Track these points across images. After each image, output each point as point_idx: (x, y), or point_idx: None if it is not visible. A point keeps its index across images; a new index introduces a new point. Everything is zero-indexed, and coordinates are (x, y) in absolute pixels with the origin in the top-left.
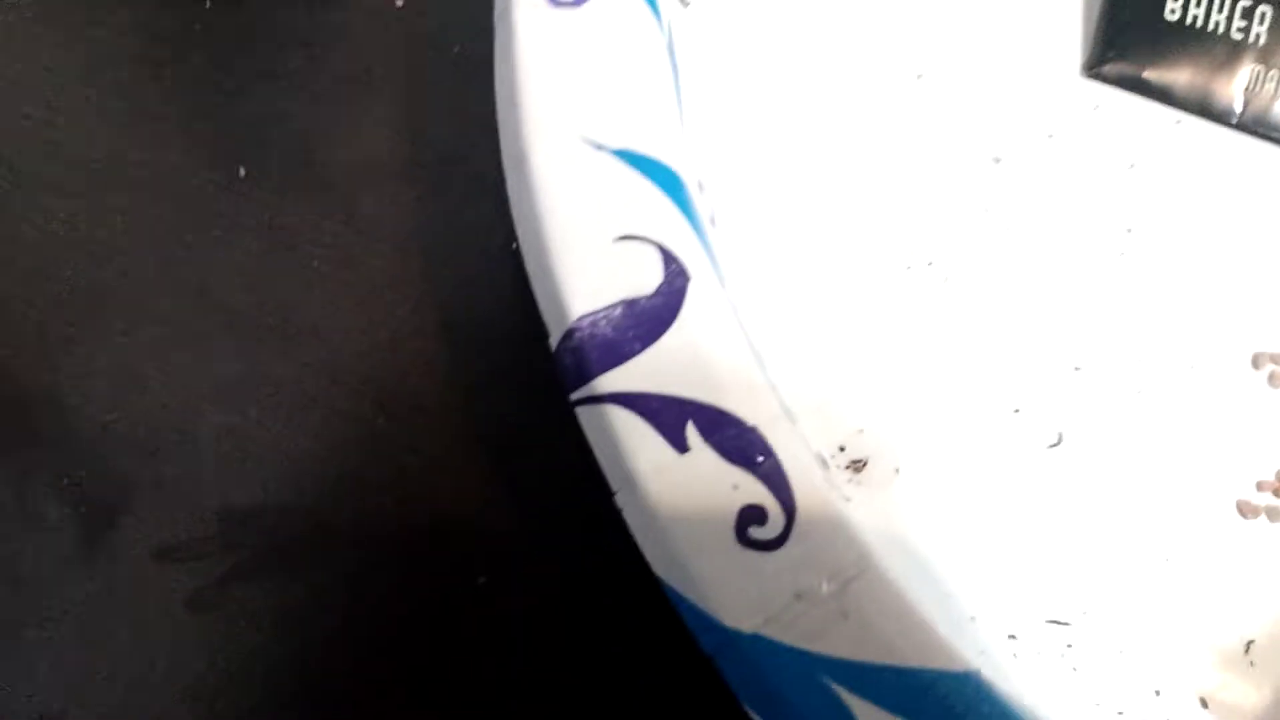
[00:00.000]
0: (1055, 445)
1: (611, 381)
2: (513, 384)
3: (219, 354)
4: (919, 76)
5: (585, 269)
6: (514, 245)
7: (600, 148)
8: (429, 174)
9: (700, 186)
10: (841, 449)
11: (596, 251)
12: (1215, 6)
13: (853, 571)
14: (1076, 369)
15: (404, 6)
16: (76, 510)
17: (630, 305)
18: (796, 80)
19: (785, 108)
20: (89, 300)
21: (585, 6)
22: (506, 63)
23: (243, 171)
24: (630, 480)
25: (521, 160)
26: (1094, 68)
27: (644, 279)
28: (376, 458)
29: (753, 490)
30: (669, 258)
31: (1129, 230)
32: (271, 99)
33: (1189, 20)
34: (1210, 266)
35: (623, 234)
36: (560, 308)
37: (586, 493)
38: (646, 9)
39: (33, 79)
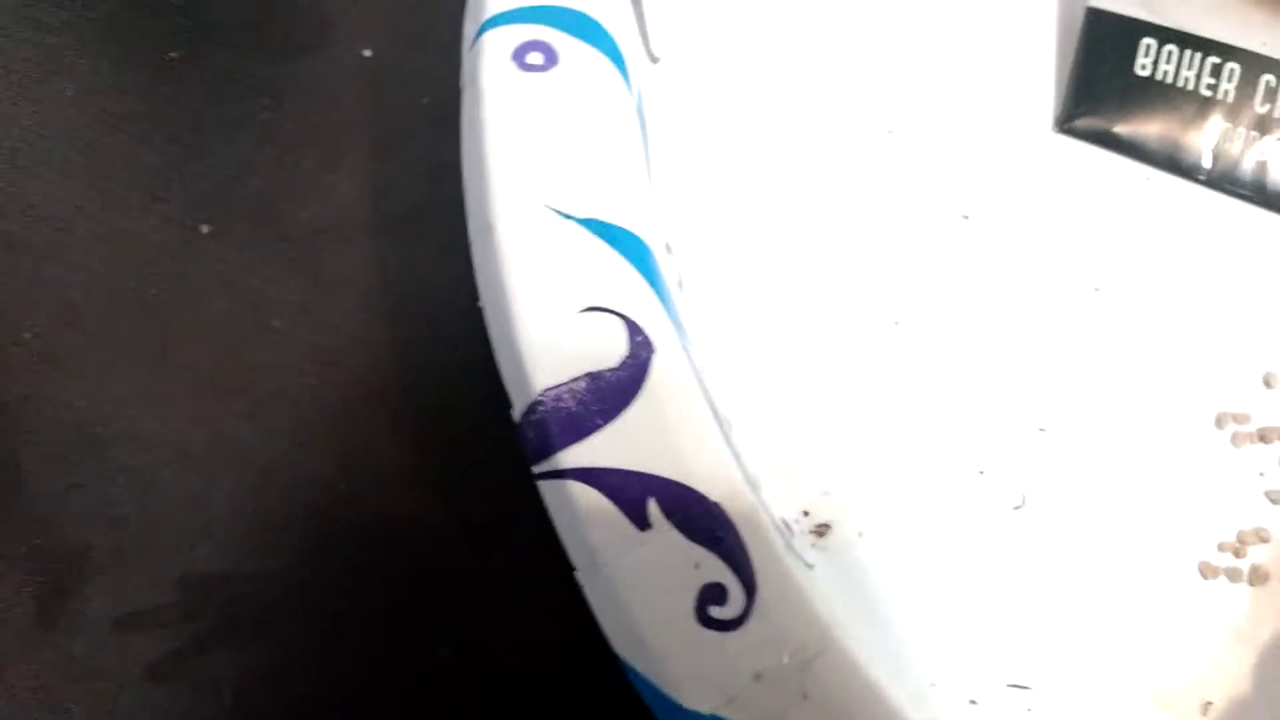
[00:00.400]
0: (1019, 507)
1: (574, 457)
2: (479, 447)
3: (181, 417)
4: (890, 132)
5: (550, 341)
6: (479, 303)
7: (567, 217)
8: (395, 229)
9: (668, 248)
10: (806, 513)
11: (561, 323)
12: (1185, 63)
13: (813, 650)
14: (1041, 430)
15: (372, 57)
16: (35, 579)
17: (594, 378)
18: (766, 135)
19: (754, 163)
20: (50, 362)
21: (554, 71)
22: (474, 128)
23: (206, 228)
24: (591, 558)
25: (488, 229)
26: (1065, 123)
27: (609, 351)
28: (339, 524)
29: (713, 568)
30: (634, 329)
31: (1096, 289)
32: (236, 152)
33: (1159, 76)
34: (1175, 326)
35: (588, 305)
36: (524, 380)
37: (550, 565)
38: (615, 72)
39: None
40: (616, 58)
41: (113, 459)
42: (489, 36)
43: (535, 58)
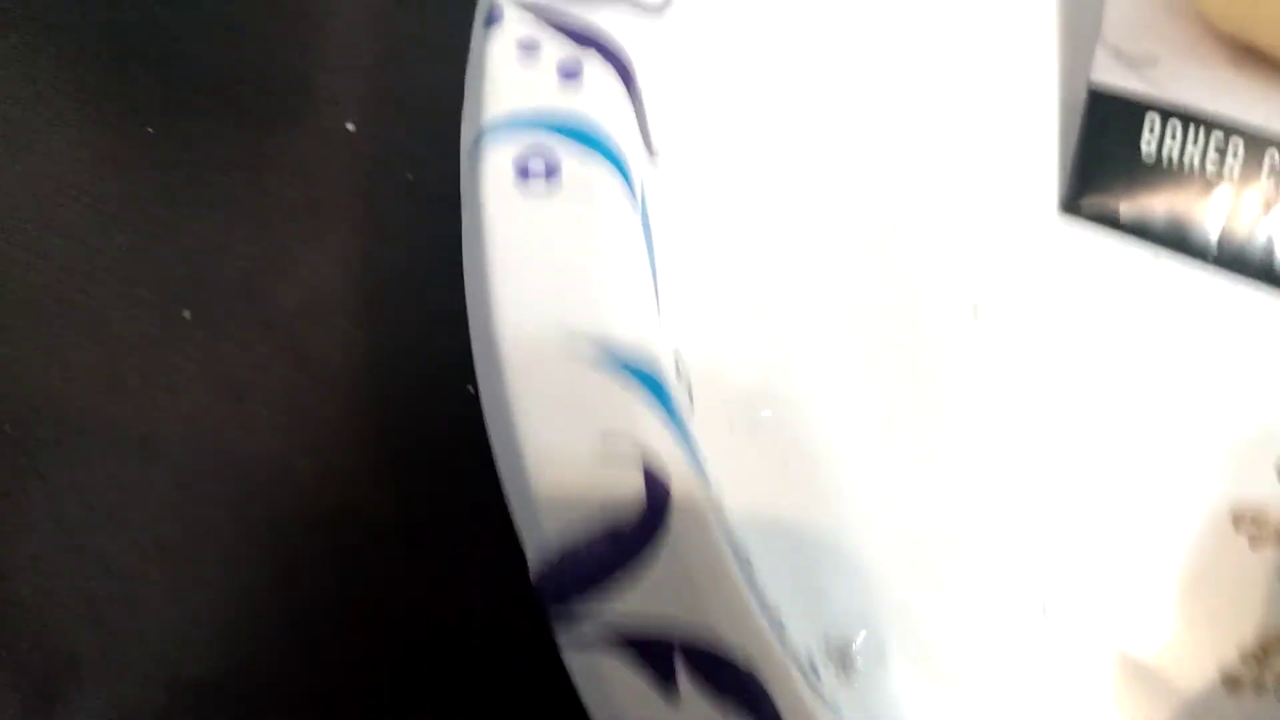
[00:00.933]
0: (1041, 618)
1: (596, 617)
2: (479, 537)
3: (164, 512)
4: (894, 220)
5: (564, 490)
6: (470, 388)
7: (577, 352)
8: (382, 310)
9: (677, 359)
10: (829, 642)
11: (576, 469)
12: (1189, 141)
13: None
14: (1061, 538)
15: (355, 130)
16: (16, 688)
17: (613, 530)
18: (768, 229)
19: (757, 259)
20: (27, 455)
21: (556, 183)
22: (475, 249)
23: (187, 313)
24: None
25: (495, 366)
26: (1071, 205)
27: (627, 498)
28: (331, 625)
29: None
30: (652, 473)
31: (1109, 384)
32: (217, 231)
33: (1164, 155)
34: (1189, 419)
35: (603, 449)
36: (539, 533)
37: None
38: (618, 180)
39: None
40: (619, 165)
41: (95, 557)
42: (488, 147)
43: (537, 168)
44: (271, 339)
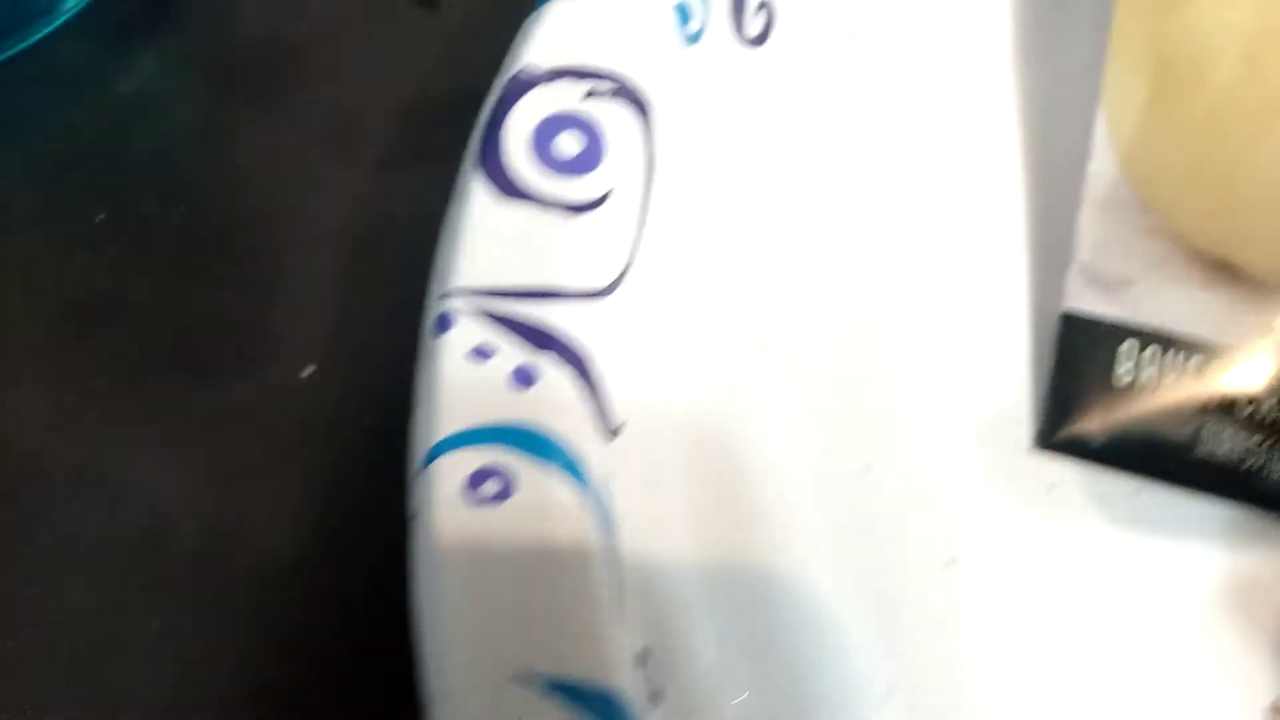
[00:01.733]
0: None
1: None
2: None
3: None
4: (867, 467)
5: None
6: None
7: (531, 681)
8: (342, 567)
9: (647, 654)
10: None
11: None
12: (1167, 365)
13: None
14: None
15: (312, 376)
16: None
17: None
18: (733, 498)
19: (722, 532)
20: None
21: (510, 503)
22: (427, 575)
23: (140, 583)
24: None
25: (447, 697)
26: (1046, 440)
27: None
28: None
29: None
30: None
31: (1097, 624)
32: (173, 493)
33: (1139, 384)
34: (1180, 649)
35: None
36: None
37: None
38: (575, 490)
39: None
40: (574, 470)
41: None
42: (441, 463)
43: (490, 488)
44: (226, 607)
